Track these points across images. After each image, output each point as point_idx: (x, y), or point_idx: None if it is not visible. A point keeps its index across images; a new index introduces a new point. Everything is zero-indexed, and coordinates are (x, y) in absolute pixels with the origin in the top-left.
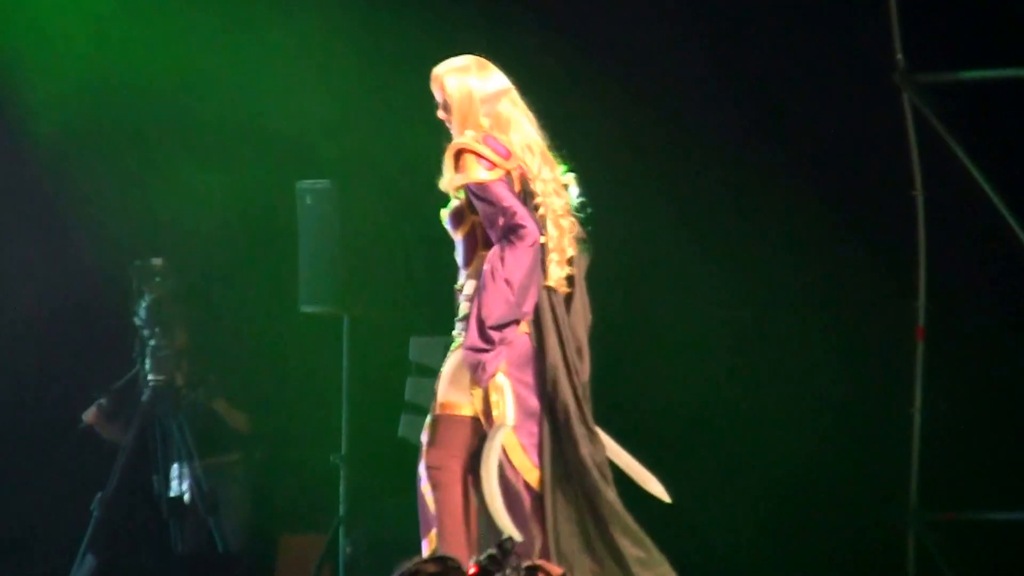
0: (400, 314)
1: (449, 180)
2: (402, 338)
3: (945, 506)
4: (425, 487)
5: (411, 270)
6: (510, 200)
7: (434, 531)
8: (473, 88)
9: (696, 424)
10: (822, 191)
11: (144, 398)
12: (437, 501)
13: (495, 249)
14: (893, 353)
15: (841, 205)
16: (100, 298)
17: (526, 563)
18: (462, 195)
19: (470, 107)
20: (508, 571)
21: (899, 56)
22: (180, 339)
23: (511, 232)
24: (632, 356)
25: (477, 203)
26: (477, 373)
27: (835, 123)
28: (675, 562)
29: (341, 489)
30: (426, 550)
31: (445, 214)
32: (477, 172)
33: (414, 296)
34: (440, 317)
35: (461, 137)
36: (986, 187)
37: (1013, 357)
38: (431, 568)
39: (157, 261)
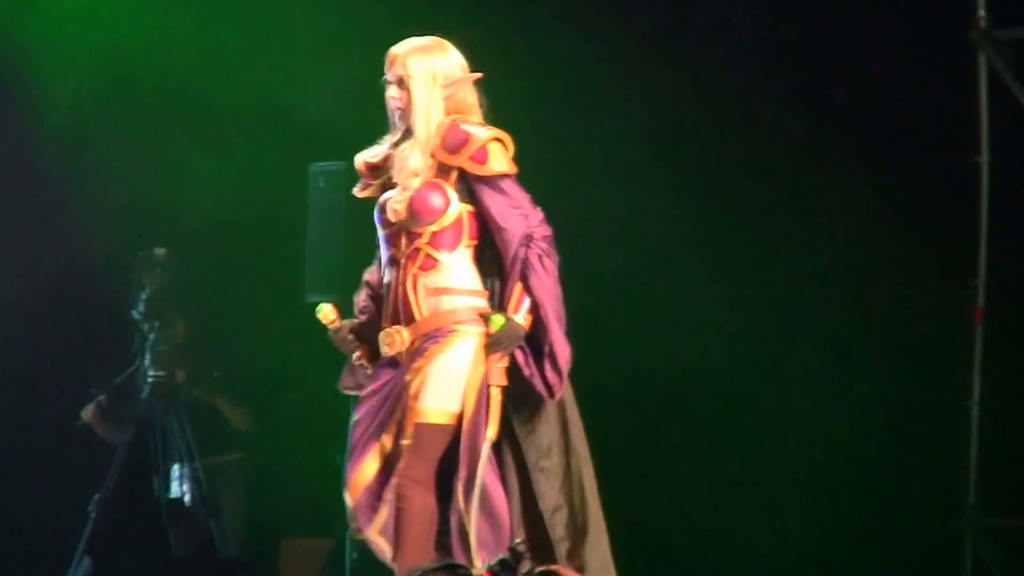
0: None
1: (478, 166)
2: None
3: (1007, 511)
4: (400, 495)
5: None
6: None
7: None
8: (439, 71)
9: (742, 422)
10: (874, 158)
11: (143, 395)
12: (407, 510)
13: (535, 249)
14: (949, 338)
15: (894, 173)
16: (104, 290)
17: (540, 568)
18: (413, 183)
19: (434, 91)
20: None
21: (981, 12)
22: (180, 333)
23: (542, 224)
24: (678, 347)
25: (495, 194)
26: (555, 390)
27: (889, 83)
28: (724, 565)
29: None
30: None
31: (407, 200)
32: (508, 163)
33: None
34: None
35: (477, 125)
36: None
37: None
38: None
39: (159, 251)
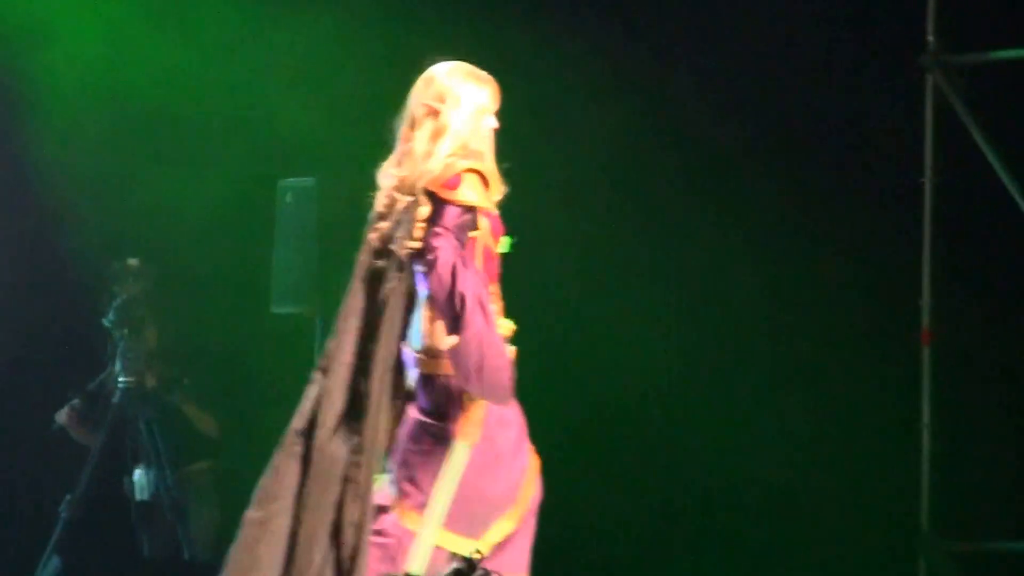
0: None
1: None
2: None
3: (961, 534)
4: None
5: None
6: None
7: None
8: (481, 103)
9: (689, 444)
10: (821, 179)
11: (114, 399)
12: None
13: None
14: (900, 360)
15: (840, 194)
16: (80, 298)
17: None
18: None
19: (476, 123)
20: None
21: (930, 38)
22: (150, 340)
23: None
24: (629, 362)
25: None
26: None
27: (840, 107)
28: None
29: None
30: None
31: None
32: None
33: None
34: None
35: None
36: (1004, 176)
37: None
38: None
39: (132, 262)
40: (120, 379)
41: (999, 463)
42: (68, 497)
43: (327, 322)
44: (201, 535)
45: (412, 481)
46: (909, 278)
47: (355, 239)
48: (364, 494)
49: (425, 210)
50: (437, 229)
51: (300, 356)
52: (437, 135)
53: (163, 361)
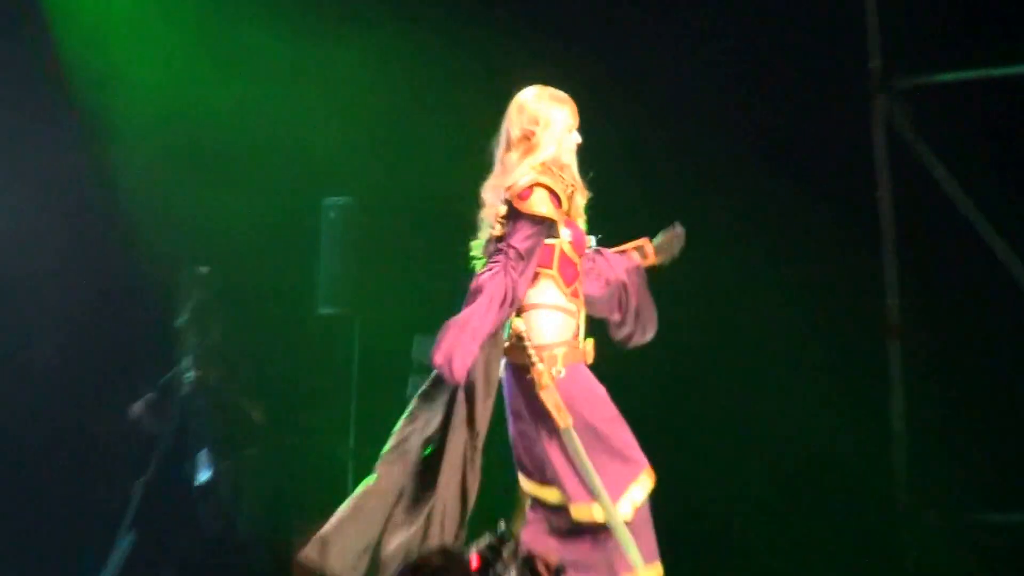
0: (406, 316)
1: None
2: (407, 338)
3: (934, 505)
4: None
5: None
6: None
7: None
8: (567, 122)
9: (677, 426)
10: (792, 193)
11: (183, 393)
12: None
13: None
14: (869, 355)
15: (812, 208)
16: (152, 302)
17: (522, 552)
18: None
19: (564, 140)
20: (506, 556)
21: (875, 62)
22: (216, 339)
23: None
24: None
25: None
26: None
27: (806, 129)
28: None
29: (349, 481)
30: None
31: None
32: None
33: (419, 300)
34: (441, 319)
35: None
36: (951, 189)
37: (989, 352)
38: (436, 560)
39: (203, 269)
40: (189, 374)
41: (966, 444)
42: (140, 479)
43: (365, 322)
44: (252, 512)
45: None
46: (879, 282)
47: (389, 249)
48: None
49: (503, 210)
50: (503, 243)
51: (341, 351)
52: (528, 152)
53: (225, 358)
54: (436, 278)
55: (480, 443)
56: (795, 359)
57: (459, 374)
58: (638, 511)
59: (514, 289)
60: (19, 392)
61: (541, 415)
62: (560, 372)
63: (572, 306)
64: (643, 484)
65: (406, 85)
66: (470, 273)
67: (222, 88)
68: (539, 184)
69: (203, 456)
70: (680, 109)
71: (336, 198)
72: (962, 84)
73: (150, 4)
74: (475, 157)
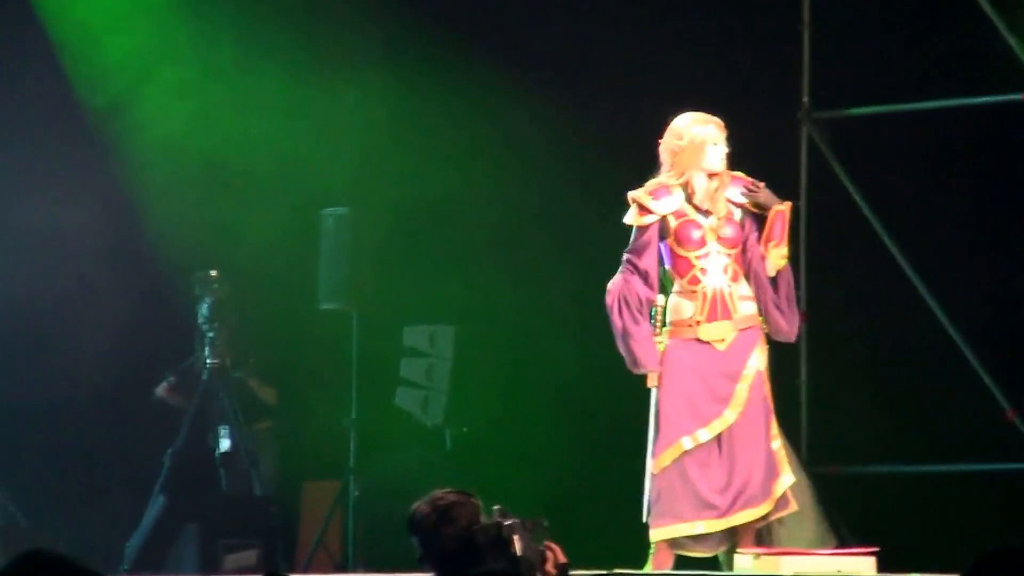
0: (396, 309)
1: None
2: (397, 328)
3: (831, 460)
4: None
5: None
6: None
7: None
8: (705, 136)
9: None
10: None
11: (203, 376)
12: None
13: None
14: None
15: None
16: (169, 300)
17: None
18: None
19: (702, 153)
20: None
21: (805, 98)
22: (229, 332)
23: None
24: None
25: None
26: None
27: (745, 149)
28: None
29: (351, 446)
30: None
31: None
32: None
33: (407, 295)
34: (427, 312)
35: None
36: (859, 200)
37: (881, 334)
38: (451, 496)
39: (213, 272)
40: (207, 361)
41: (859, 407)
42: (169, 450)
43: (362, 315)
44: (266, 475)
45: None
46: (795, 274)
47: (380, 251)
48: None
49: None
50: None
51: (341, 341)
52: (669, 167)
53: (238, 346)
54: (422, 276)
55: None
56: None
57: None
58: (663, 472)
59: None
60: (66, 378)
61: None
62: (667, 344)
63: (690, 292)
64: (669, 454)
65: (390, 115)
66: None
67: (233, 114)
68: (632, 199)
69: (224, 429)
70: (625, 128)
71: (333, 208)
72: (873, 117)
73: (160, 37)
74: (450, 172)
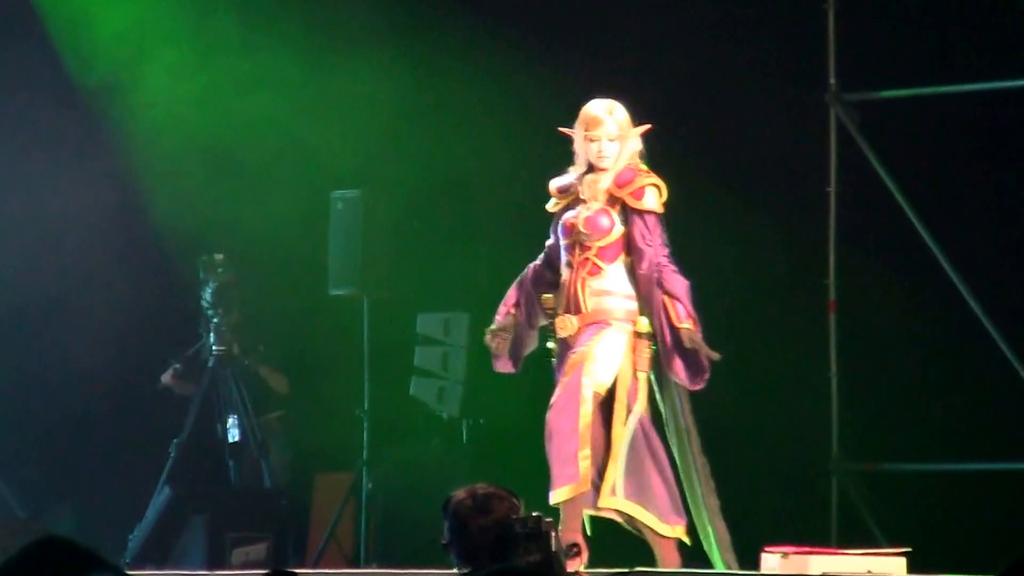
0: (409, 295)
1: (652, 200)
2: (411, 315)
3: (862, 457)
4: None
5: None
6: None
7: None
8: (630, 129)
9: None
10: (751, 188)
11: (209, 364)
12: None
13: (668, 265)
14: (811, 325)
15: (769, 198)
16: (175, 285)
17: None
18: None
19: (628, 143)
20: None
21: (832, 80)
22: (236, 317)
23: (666, 258)
24: None
25: (654, 227)
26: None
27: (769, 134)
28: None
29: (364, 437)
30: None
31: (592, 218)
32: (658, 204)
33: (420, 281)
34: (441, 298)
35: (643, 170)
36: (891, 186)
37: (915, 325)
38: (491, 489)
39: (219, 256)
40: (214, 348)
41: (893, 403)
42: (175, 440)
43: (373, 301)
44: (277, 467)
45: None
46: (820, 264)
47: (391, 235)
48: None
49: None
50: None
51: (351, 329)
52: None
53: (246, 333)
54: (435, 261)
55: None
56: (748, 328)
57: None
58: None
59: None
60: (68, 364)
61: None
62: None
63: (560, 281)
64: None
65: (404, 95)
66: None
67: (243, 97)
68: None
69: (233, 419)
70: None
71: (343, 191)
72: (903, 99)
73: (161, 14)
74: (465, 153)
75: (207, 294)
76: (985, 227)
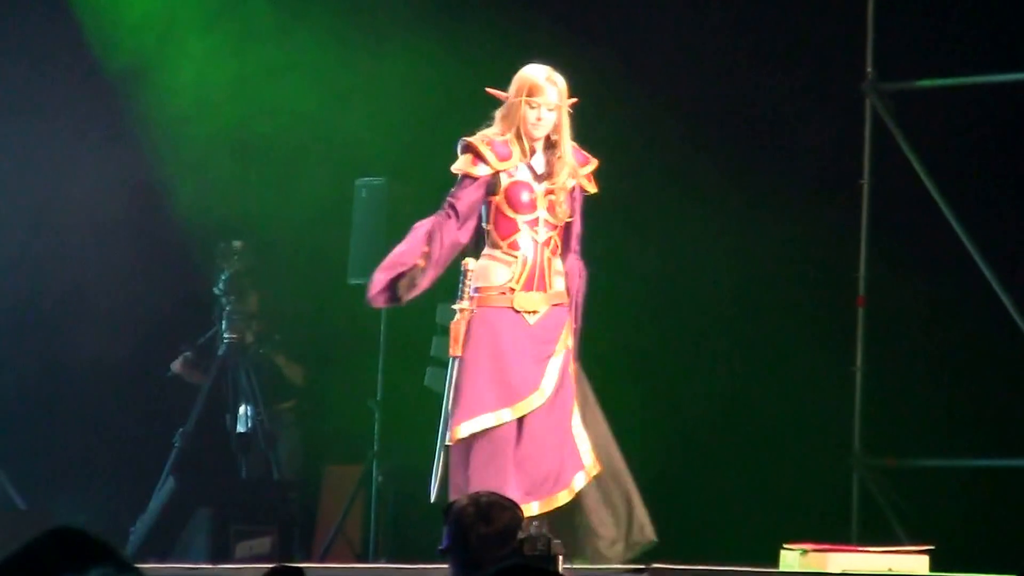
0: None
1: (589, 185)
2: (429, 304)
3: (885, 452)
4: None
5: None
6: None
7: None
8: (567, 99)
9: (669, 389)
10: (784, 180)
11: (220, 352)
12: None
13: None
14: (838, 318)
15: (800, 191)
16: (197, 275)
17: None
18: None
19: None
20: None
21: (869, 68)
22: (251, 305)
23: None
24: (618, 325)
25: (580, 209)
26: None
27: (802, 124)
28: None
29: (375, 429)
30: None
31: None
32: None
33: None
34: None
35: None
36: (926, 180)
37: (943, 321)
38: (494, 498)
39: (237, 243)
40: (225, 336)
41: (917, 398)
42: (181, 430)
43: None
44: (287, 460)
45: None
46: (850, 257)
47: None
48: None
49: None
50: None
51: (369, 319)
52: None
53: (260, 321)
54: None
55: None
56: (775, 320)
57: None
58: (457, 446)
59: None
60: (87, 350)
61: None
62: (473, 311)
63: (508, 257)
64: (481, 421)
65: (431, 81)
66: None
67: (267, 84)
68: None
69: (243, 409)
70: (690, 97)
71: (367, 178)
72: (940, 90)
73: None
74: None
75: (221, 281)
76: (1021, 223)
